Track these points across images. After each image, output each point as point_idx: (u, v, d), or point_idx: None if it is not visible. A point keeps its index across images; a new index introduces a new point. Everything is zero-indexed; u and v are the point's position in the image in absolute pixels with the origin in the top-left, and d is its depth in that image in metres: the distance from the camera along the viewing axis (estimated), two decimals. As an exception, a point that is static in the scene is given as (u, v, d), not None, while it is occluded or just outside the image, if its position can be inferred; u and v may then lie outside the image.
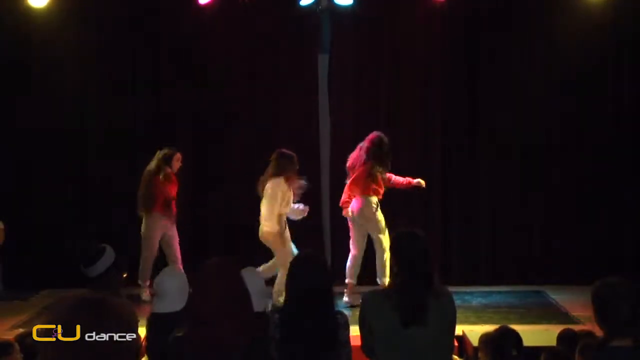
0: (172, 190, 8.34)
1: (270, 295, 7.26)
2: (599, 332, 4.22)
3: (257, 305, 3.68)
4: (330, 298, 3.57)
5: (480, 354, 4.82)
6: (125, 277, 4.73)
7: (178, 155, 8.38)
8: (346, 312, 7.07)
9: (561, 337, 4.95)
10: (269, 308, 3.65)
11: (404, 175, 8.23)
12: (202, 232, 9.40)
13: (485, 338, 4.66)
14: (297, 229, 8.37)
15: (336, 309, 3.64)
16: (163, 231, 8.36)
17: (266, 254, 7.96)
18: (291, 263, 3.73)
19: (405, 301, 3.55)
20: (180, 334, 3.01)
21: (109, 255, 4.39)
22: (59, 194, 9.29)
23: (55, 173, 9.29)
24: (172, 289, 4.10)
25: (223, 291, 2.90)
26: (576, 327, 6.65)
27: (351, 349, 3.61)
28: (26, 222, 9.07)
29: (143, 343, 4.17)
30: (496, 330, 4.53)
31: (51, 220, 9.18)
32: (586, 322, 6.59)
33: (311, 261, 3.69)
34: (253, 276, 3.93)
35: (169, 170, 8.29)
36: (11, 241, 8.67)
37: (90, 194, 9.38)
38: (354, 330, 3.76)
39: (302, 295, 3.53)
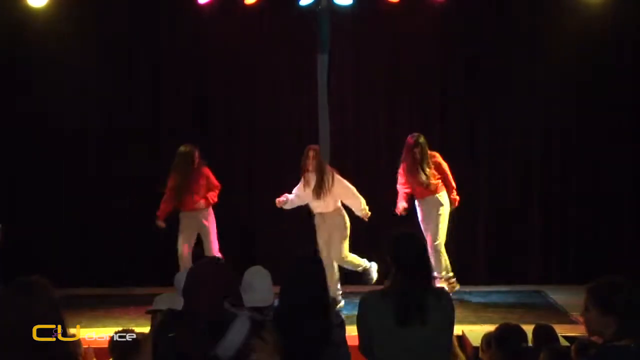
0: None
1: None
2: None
3: (263, 301, 3.68)
4: (325, 297, 3.54)
5: (483, 354, 4.81)
6: None
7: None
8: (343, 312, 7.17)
9: (535, 333, 4.93)
10: (275, 304, 3.63)
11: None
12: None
13: (488, 337, 4.65)
14: (298, 228, 8.39)
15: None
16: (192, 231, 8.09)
17: (264, 255, 7.94)
18: (288, 263, 3.69)
19: (403, 302, 3.55)
20: (172, 334, 3.00)
21: None
22: (58, 194, 9.29)
23: (55, 173, 9.28)
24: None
25: (214, 291, 2.90)
26: (576, 327, 6.70)
27: (348, 349, 3.57)
28: (25, 222, 9.05)
29: None
30: (499, 328, 4.51)
31: (51, 220, 9.18)
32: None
33: (307, 261, 3.67)
34: (259, 274, 3.96)
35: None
36: (10, 241, 8.66)
37: (89, 194, 9.37)
38: (352, 330, 3.76)
39: (297, 294, 3.50)
